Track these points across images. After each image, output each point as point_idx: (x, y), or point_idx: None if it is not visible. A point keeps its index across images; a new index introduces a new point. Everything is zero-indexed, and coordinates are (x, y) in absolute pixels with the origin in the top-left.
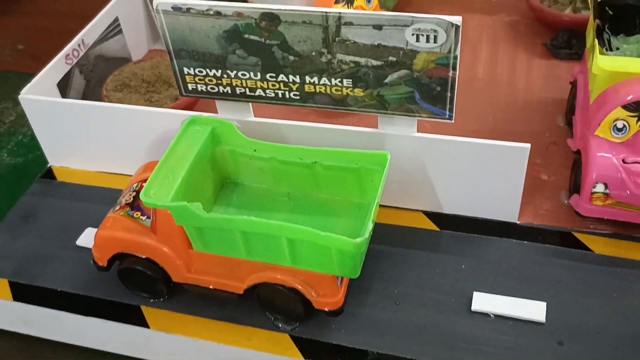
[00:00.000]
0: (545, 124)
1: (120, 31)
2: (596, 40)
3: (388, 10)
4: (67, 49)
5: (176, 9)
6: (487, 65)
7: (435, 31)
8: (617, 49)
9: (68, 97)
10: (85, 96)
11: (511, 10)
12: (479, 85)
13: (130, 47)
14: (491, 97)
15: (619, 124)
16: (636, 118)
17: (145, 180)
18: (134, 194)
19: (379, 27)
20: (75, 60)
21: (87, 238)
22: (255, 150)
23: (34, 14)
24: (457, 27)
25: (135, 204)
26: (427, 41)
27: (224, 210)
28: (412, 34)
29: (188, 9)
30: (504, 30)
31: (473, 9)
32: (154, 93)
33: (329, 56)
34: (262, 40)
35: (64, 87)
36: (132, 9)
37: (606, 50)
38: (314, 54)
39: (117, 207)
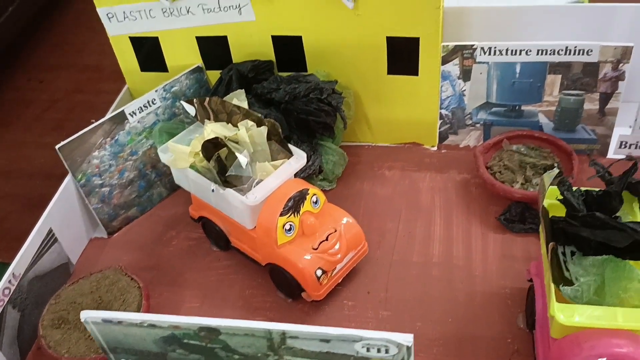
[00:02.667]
0: (505, 324)
1: (55, 240)
2: (552, 285)
3: (338, 177)
4: None
5: (107, 321)
6: (442, 243)
7: (386, 346)
8: (576, 278)
9: (3, 341)
10: (21, 331)
11: (461, 166)
12: (435, 272)
13: (67, 250)
14: (449, 289)
15: None
16: None
17: None
18: None
19: (326, 341)
20: (6, 300)
21: None
22: None
23: None
24: (407, 347)
25: None
26: (379, 352)
27: None
28: (362, 347)
29: (119, 322)
30: (456, 194)
31: (423, 164)
32: None
33: (276, 357)
34: (204, 344)
35: None
36: (67, 210)
37: (561, 285)
38: (259, 355)
39: None
